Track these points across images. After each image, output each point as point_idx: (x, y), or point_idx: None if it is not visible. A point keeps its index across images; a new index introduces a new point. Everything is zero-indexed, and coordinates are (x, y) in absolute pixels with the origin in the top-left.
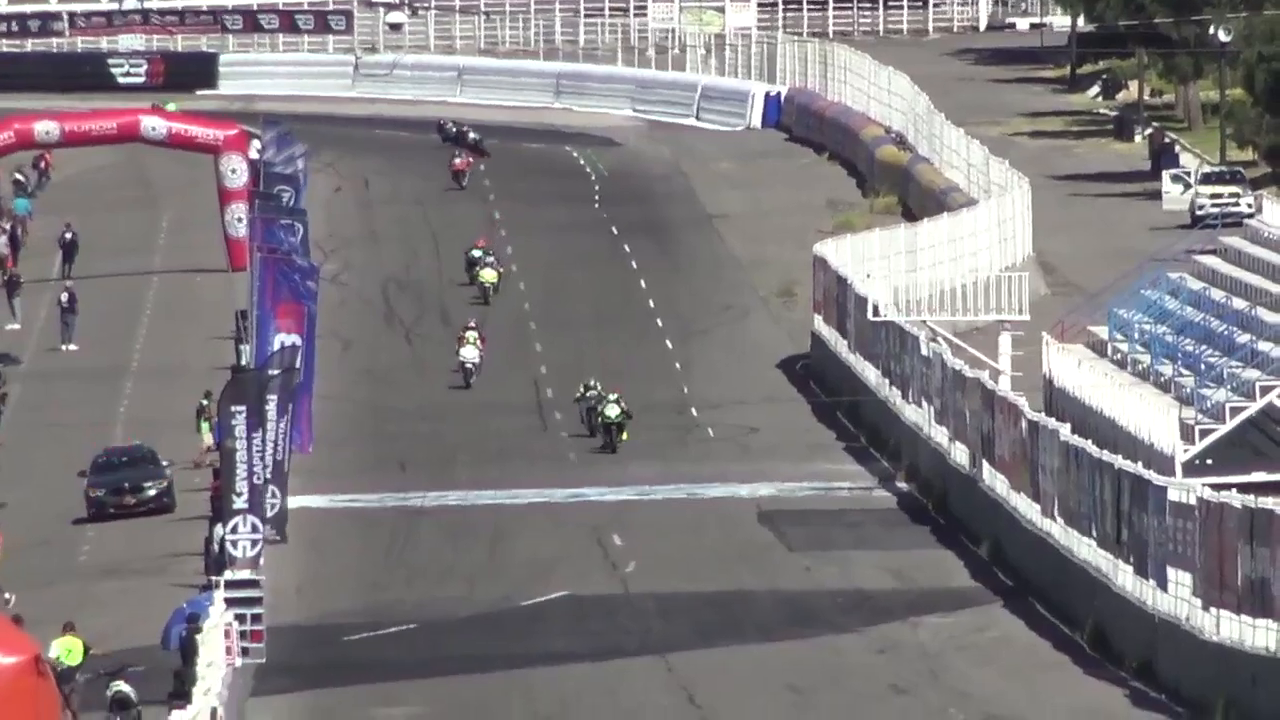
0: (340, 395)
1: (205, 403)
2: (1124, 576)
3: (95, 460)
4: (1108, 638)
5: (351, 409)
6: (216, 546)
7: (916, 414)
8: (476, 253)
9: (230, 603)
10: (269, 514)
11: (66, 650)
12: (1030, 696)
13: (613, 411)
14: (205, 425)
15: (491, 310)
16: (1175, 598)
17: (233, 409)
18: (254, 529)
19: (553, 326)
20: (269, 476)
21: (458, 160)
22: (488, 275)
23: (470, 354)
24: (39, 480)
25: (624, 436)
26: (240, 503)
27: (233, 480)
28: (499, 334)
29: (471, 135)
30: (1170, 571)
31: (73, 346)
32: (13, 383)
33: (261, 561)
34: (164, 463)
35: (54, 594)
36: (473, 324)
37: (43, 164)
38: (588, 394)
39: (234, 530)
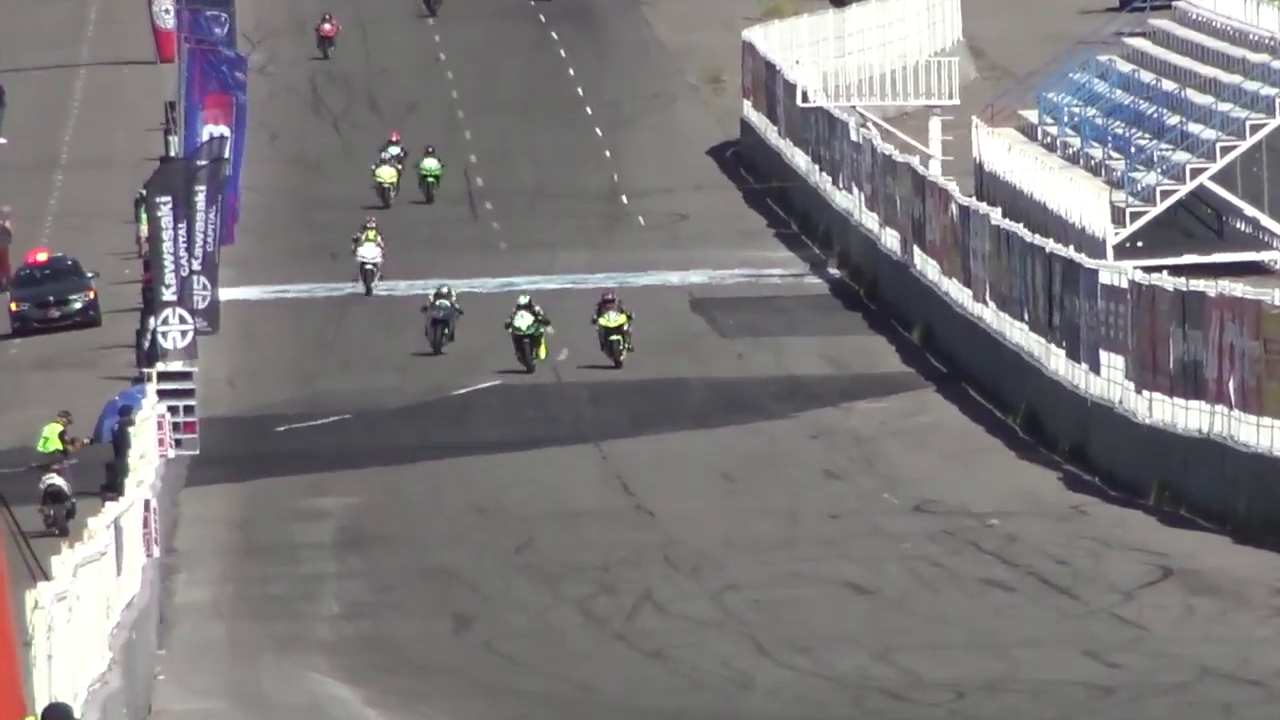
0: (269, 186)
1: (145, 193)
2: (1056, 361)
3: (18, 273)
4: (1041, 422)
5: (281, 199)
6: (148, 339)
7: (847, 200)
8: (393, 150)
9: (162, 394)
10: (199, 305)
11: (44, 440)
12: (964, 481)
13: (523, 322)
14: (146, 216)
15: (419, 99)
16: (1108, 381)
17: (159, 199)
18: (184, 320)
19: (481, 114)
20: (198, 268)
21: (326, 25)
22: (384, 174)
23: (370, 252)
24: None
25: (542, 354)
26: (169, 295)
27: (161, 272)
28: (427, 124)
29: None
30: (1102, 355)
31: (1, 140)
32: None
33: (193, 353)
34: (88, 274)
35: None
36: (370, 222)
37: None
38: (437, 303)
39: (164, 322)
